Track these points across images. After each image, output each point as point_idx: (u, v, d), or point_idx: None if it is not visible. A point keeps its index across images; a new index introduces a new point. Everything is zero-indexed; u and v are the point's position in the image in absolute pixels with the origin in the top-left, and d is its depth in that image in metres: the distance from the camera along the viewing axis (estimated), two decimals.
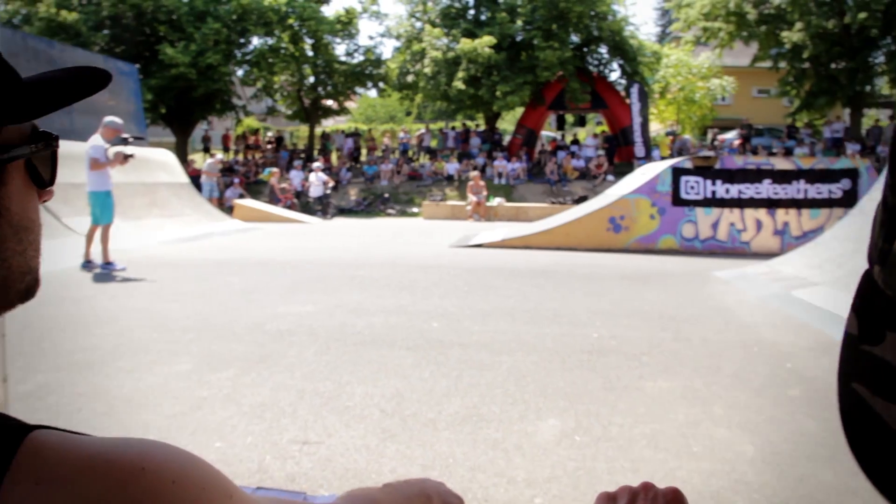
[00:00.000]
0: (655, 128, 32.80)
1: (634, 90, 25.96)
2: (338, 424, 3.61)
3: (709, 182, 11.97)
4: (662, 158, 22.87)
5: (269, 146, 29.31)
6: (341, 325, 5.89)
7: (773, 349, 5.24)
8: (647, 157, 24.07)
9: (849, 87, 25.47)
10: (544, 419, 3.71)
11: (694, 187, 11.98)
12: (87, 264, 8.76)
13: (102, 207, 8.72)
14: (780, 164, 12.35)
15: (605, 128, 30.77)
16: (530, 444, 3.37)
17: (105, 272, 8.58)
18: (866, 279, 0.42)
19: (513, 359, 4.90)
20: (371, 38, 63.18)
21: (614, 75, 29.00)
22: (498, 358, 4.92)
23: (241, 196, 21.45)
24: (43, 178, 0.64)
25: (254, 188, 23.81)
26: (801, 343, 5.41)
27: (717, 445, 3.33)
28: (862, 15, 23.79)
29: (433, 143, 28.87)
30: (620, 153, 26.63)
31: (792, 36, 25.47)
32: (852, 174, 11.84)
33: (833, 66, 25.88)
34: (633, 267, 9.91)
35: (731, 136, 27.25)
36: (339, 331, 5.70)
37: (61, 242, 9.76)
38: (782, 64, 27.09)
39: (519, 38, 27.19)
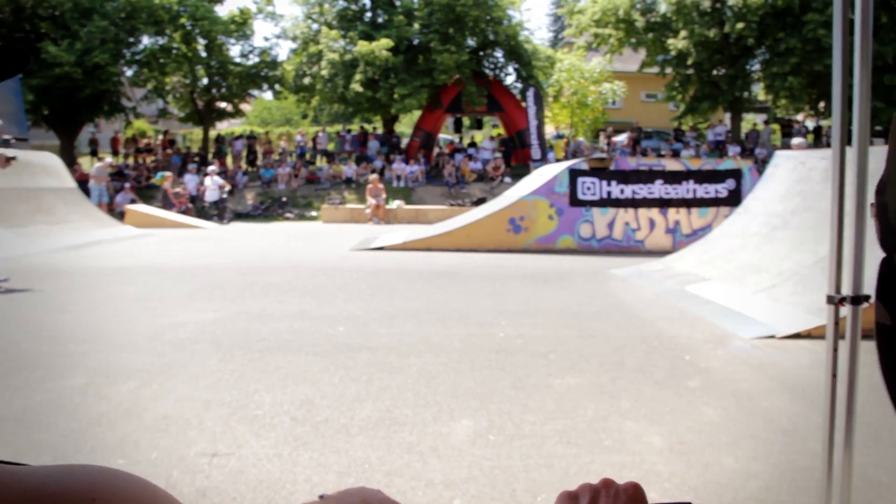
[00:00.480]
0: (550, 130, 33.54)
1: (530, 94, 26.49)
2: (247, 434, 3.51)
3: (604, 183, 12.34)
4: (557, 160, 23.43)
5: (161, 149, 28.27)
6: (245, 332, 5.74)
7: (672, 342, 5.44)
8: (543, 160, 24.59)
9: (729, 92, 26.85)
10: (457, 420, 3.72)
11: (590, 188, 12.32)
12: None
13: None
14: (671, 165, 12.88)
15: (502, 131, 31.28)
16: (445, 445, 3.37)
17: None
18: (886, 266, 0.42)
19: (422, 361, 4.90)
20: (266, 39, 62.12)
21: (510, 79, 29.52)
22: (407, 360, 4.91)
23: (133, 201, 20.62)
24: None
25: (146, 193, 22.92)
26: (697, 336, 5.65)
27: (626, 438, 3.43)
28: (740, 25, 25.14)
29: (331, 147, 28.57)
30: (517, 155, 27.11)
31: (677, 43, 26.63)
32: (736, 174, 12.47)
33: (715, 72, 27.22)
34: (533, 267, 10.09)
35: (623, 138, 28.20)
36: (242, 338, 5.55)
37: None
38: (668, 70, 28.29)
39: (416, 42, 27.27)
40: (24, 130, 16.78)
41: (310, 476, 3.01)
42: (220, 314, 6.50)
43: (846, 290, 2.24)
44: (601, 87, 32.59)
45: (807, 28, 23.96)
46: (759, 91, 29.36)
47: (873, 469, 3.03)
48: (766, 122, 27.25)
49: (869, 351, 1.36)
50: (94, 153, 27.58)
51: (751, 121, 33.28)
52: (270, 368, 4.72)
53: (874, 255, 0.52)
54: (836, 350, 2.27)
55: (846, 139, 2.27)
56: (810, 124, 28.68)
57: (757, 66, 27.54)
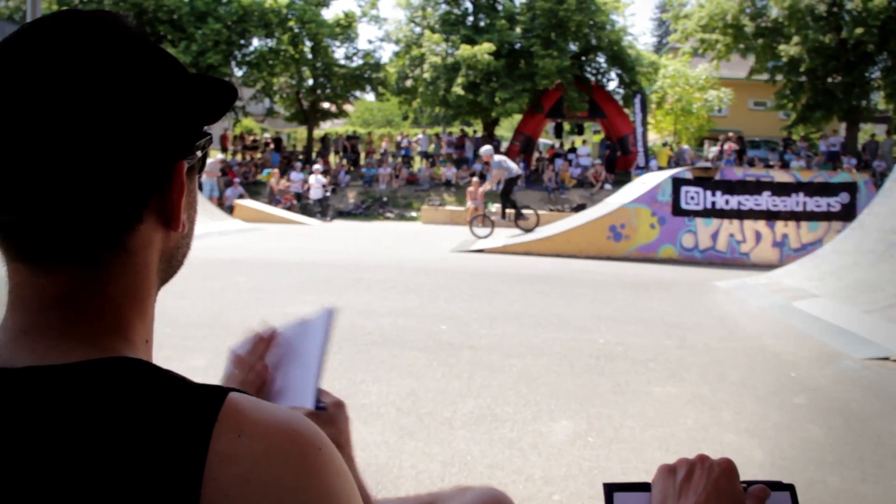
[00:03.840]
0: (652, 138, 32.97)
1: (637, 100, 26.15)
2: (355, 421, 3.66)
3: (709, 193, 12.11)
4: (660, 168, 23.05)
5: (264, 146, 29.38)
6: (351, 326, 5.97)
7: (777, 358, 5.34)
8: (646, 167, 24.25)
9: (845, 101, 25.74)
10: (557, 420, 3.80)
11: (694, 198, 12.11)
12: None
13: None
14: (779, 176, 12.51)
15: (602, 136, 30.98)
16: (545, 443, 3.46)
17: None
18: None
19: (523, 362, 4.99)
20: (370, 42, 63.50)
21: (612, 84, 29.22)
22: (508, 361, 5.01)
23: (241, 196, 21.51)
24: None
25: (252, 189, 23.87)
26: (804, 353, 5.52)
27: (726, 450, 3.43)
28: (859, 30, 24.07)
29: (430, 149, 28.99)
30: (618, 162, 26.80)
31: (789, 49, 25.74)
32: (851, 188, 12.00)
33: (829, 80, 26.14)
34: (633, 275, 10.02)
35: (719, 148, 27.30)
36: (349, 331, 5.78)
37: None
38: (779, 77, 27.35)
39: (518, 46, 27.36)
40: None
41: (415, 463, 3.16)
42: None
43: None
44: (706, 94, 31.83)
45: None
46: (878, 100, 28.00)
47: None
48: (889, 133, 25.90)
49: None
50: None
51: (868, 131, 31.74)
52: (376, 361, 4.91)
53: None
54: None
55: None
56: None
57: (877, 74, 26.27)
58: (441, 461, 3.20)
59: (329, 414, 1.03)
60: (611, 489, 0.88)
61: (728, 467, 0.90)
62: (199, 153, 0.72)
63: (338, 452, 0.66)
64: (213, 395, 0.62)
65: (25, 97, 0.59)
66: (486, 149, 16.65)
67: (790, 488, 0.87)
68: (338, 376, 4.49)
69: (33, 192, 0.60)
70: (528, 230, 14.98)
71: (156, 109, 0.65)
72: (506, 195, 15.37)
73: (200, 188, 16.91)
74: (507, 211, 15.79)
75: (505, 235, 14.61)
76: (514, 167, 15.61)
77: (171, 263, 0.76)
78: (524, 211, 15.62)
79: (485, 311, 6.89)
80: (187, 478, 0.57)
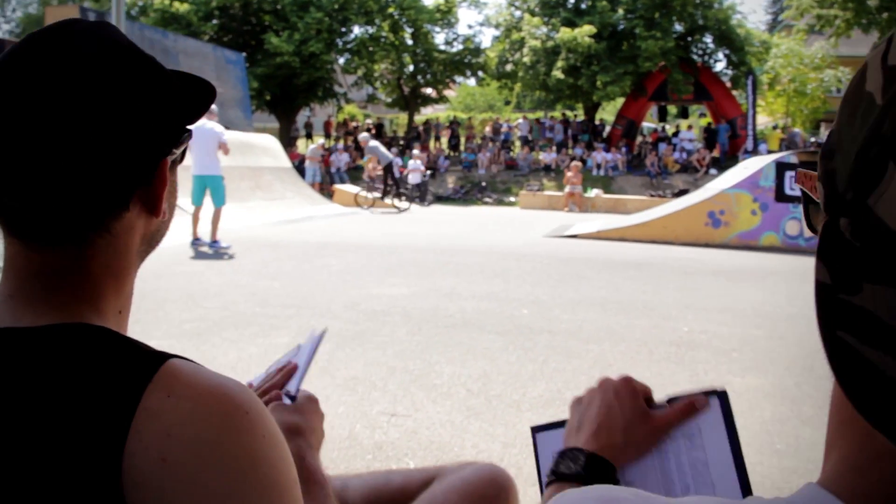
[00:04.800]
0: (763, 120, 31.63)
1: (749, 81, 25.13)
2: (425, 400, 3.77)
3: None
4: (769, 153, 22.12)
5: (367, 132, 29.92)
6: (434, 308, 6.06)
7: None
8: (754, 151, 23.32)
9: None
10: None
11: None
12: (196, 241, 9.28)
13: (222, 190, 9.29)
14: None
15: (709, 119, 29.95)
16: None
17: (213, 250, 9.07)
18: (829, 230, 0.46)
19: (600, 348, 4.95)
20: (470, 26, 63.42)
21: (719, 66, 28.19)
22: (585, 346, 4.98)
23: (342, 181, 22.02)
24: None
25: (353, 174, 24.39)
26: None
27: (801, 444, 3.31)
28: None
29: (531, 134, 28.80)
30: (726, 146, 25.86)
31: None
32: None
33: None
34: (731, 263, 9.71)
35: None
36: (431, 313, 5.87)
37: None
38: None
39: (620, 28, 26.78)
40: (248, 115, 18.42)
41: (477, 443, 3.20)
42: (413, 290, 6.89)
43: None
44: (823, 74, 30.22)
45: None
46: None
47: None
48: None
49: None
50: (308, 135, 29.72)
51: None
52: (453, 343, 4.97)
53: None
54: None
55: None
56: None
57: None
58: (503, 442, 3.24)
59: (298, 404, 1.08)
60: (534, 430, 0.91)
61: (622, 385, 0.88)
62: (180, 149, 0.80)
63: (270, 419, 0.70)
64: (154, 359, 0.68)
65: (29, 101, 0.67)
66: (363, 136, 19.51)
67: (722, 395, 0.88)
68: (414, 356, 4.58)
69: (31, 181, 0.68)
70: (399, 210, 17.90)
71: (142, 113, 0.72)
72: (385, 179, 18.30)
73: (303, 174, 17.43)
74: (388, 192, 18.40)
75: (601, 221, 14.40)
76: (388, 155, 18.57)
77: (151, 244, 0.84)
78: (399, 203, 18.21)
79: (569, 296, 6.84)
80: (114, 429, 0.63)
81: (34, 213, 0.70)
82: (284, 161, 17.01)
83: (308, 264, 8.30)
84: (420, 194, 21.99)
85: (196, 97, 0.82)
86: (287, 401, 1.10)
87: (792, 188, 11.63)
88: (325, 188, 21.30)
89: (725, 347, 5.05)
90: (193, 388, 0.67)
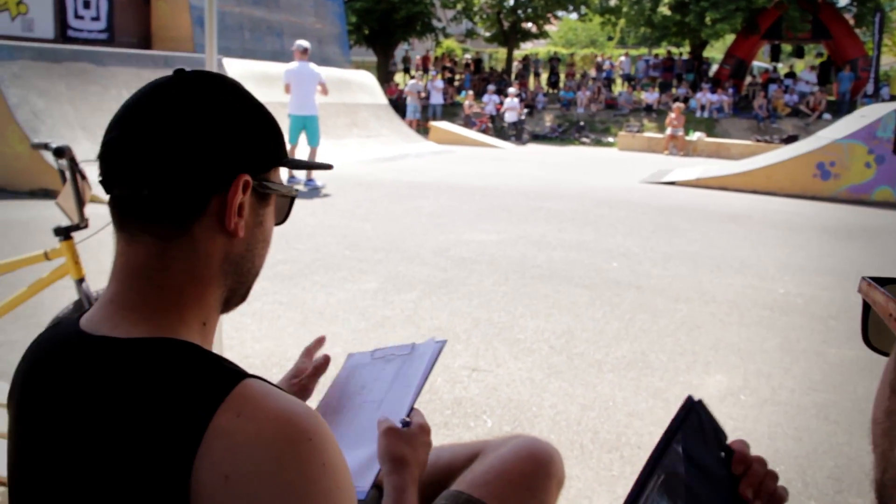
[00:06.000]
0: (887, 61, 29.52)
1: (877, 18, 23.39)
2: (507, 356, 3.81)
3: None
4: (892, 98, 20.71)
5: (466, 69, 29.59)
6: (522, 257, 6.06)
7: None
8: (875, 96, 21.86)
9: None
10: (712, 374, 3.70)
11: None
12: (291, 180, 9.50)
13: (317, 130, 9.51)
14: None
15: (825, 59, 28.15)
16: None
17: (308, 188, 9.29)
18: None
19: (689, 307, 4.85)
20: None
21: (842, 1, 26.26)
22: (674, 305, 4.89)
23: (436, 118, 21.95)
24: (280, 217, 0.98)
25: (450, 110, 24.27)
26: None
27: None
28: None
29: (633, 71, 27.83)
30: (842, 90, 24.31)
31: None
32: None
33: None
34: (838, 219, 9.25)
35: None
36: (519, 262, 5.87)
37: None
38: None
39: None
40: (346, 51, 18.44)
41: (555, 403, 3.23)
42: (502, 237, 6.89)
43: None
44: None
45: None
46: None
47: None
48: None
49: None
50: (406, 70, 29.64)
51: None
52: (539, 295, 4.97)
53: None
54: None
55: None
56: None
57: None
58: (581, 404, 3.25)
59: (409, 432, 1.09)
60: None
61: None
62: (267, 184, 0.89)
63: (332, 446, 0.74)
64: (230, 378, 0.75)
65: (142, 118, 0.82)
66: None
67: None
68: (498, 308, 4.61)
69: (135, 174, 0.81)
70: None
71: (221, 132, 0.83)
72: None
73: (399, 109, 17.52)
74: None
75: (701, 168, 13.92)
76: None
77: (239, 271, 0.89)
78: None
79: (661, 248, 6.70)
80: (186, 444, 0.70)
81: (134, 203, 0.82)
82: (381, 98, 17.06)
83: (399, 206, 8.39)
84: (516, 132, 21.73)
85: (274, 143, 0.90)
86: (399, 425, 1.10)
87: None
88: (422, 125, 21.30)
89: (823, 314, 4.86)
90: (262, 410, 0.72)
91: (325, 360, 1.28)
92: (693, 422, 0.84)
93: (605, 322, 4.47)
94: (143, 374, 0.75)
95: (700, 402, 0.85)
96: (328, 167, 1.07)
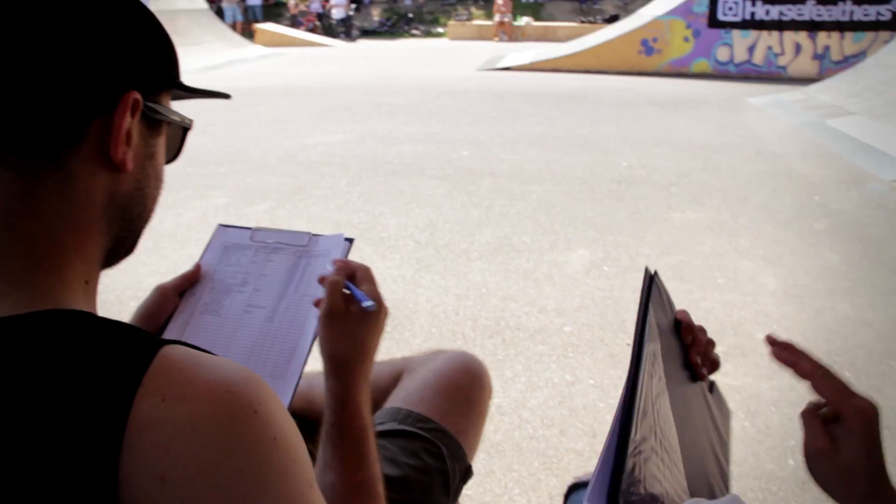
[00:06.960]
0: None
1: None
2: (374, 255, 3.76)
3: (748, 2, 11.42)
4: None
5: None
6: (372, 155, 5.95)
7: (803, 181, 5.24)
8: None
9: None
10: (573, 249, 3.83)
11: (732, 8, 11.44)
12: None
13: None
14: None
15: None
16: (560, 274, 3.50)
17: None
18: None
19: (542, 188, 4.97)
20: None
21: None
22: (528, 187, 4.99)
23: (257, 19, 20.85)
24: (172, 153, 0.80)
25: (273, 11, 23.09)
26: (832, 175, 5.40)
27: (740, 277, 3.45)
28: None
29: None
30: None
31: None
32: None
33: None
34: (664, 92, 9.72)
35: None
36: (370, 161, 5.76)
37: None
38: None
39: None
40: None
41: (431, 297, 3.24)
42: (349, 136, 6.72)
43: None
44: None
45: None
46: None
47: None
48: None
49: None
50: None
51: None
52: (395, 191, 4.92)
53: None
54: None
55: None
56: None
57: None
58: (456, 294, 3.28)
59: (376, 313, 0.93)
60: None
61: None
62: (159, 108, 0.71)
63: (281, 411, 0.61)
64: (143, 352, 0.58)
65: None
66: None
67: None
68: (357, 209, 4.53)
69: None
70: None
71: (105, 39, 0.65)
72: None
73: (222, 15, 16.38)
74: None
75: (533, 52, 14.11)
76: None
77: (127, 215, 0.71)
78: None
79: (507, 134, 6.79)
80: (104, 446, 0.54)
81: None
82: (200, 2, 15.89)
83: (236, 114, 7.96)
84: (345, 29, 21.08)
85: (164, 56, 0.73)
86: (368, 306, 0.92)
87: (724, 14, 11.52)
88: (246, 28, 20.15)
89: (664, 182, 5.14)
90: (191, 386, 0.57)
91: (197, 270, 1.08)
92: (655, 293, 0.83)
93: (466, 211, 4.50)
94: (27, 368, 0.56)
95: (657, 273, 0.84)
96: (226, 96, 0.89)
